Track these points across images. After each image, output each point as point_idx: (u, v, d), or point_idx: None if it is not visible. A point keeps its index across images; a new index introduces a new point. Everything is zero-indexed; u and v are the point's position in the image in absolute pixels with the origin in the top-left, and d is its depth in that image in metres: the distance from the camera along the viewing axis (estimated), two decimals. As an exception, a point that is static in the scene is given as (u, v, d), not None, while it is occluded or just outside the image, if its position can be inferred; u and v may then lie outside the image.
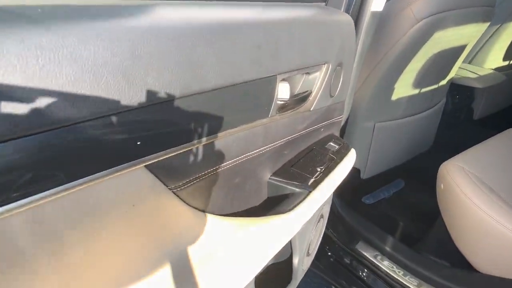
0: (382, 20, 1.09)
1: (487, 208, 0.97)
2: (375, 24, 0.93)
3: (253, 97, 0.56)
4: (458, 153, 1.18)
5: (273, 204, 0.69)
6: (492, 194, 1.01)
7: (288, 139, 0.72)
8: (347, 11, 0.85)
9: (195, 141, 0.49)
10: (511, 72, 1.92)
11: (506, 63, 1.87)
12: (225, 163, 0.57)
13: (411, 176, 1.73)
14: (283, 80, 0.62)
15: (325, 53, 0.71)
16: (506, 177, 1.11)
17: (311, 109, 0.74)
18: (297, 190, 0.71)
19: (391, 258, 1.13)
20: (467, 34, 1.25)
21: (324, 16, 0.73)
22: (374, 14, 0.90)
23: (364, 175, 1.43)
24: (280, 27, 0.58)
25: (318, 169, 0.77)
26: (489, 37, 1.68)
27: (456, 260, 1.07)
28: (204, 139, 0.50)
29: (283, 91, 0.63)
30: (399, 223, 1.47)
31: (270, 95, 0.59)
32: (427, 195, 1.60)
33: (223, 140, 0.54)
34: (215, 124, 0.51)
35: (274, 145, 0.67)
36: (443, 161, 1.19)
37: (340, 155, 0.86)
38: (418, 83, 1.31)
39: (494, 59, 1.77)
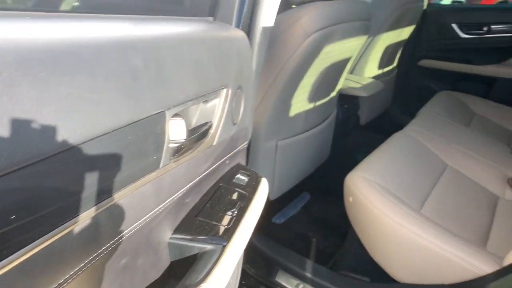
0: (274, 36, 1.04)
1: (396, 216, 0.98)
2: (267, 40, 0.85)
3: (133, 146, 0.39)
4: (353, 159, 1.19)
5: (179, 274, 0.53)
6: (398, 202, 1.02)
7: (190, 186, 0.58)
8: (237, 26, 0.75)
9: (54, 231, 0.31)
10: (385, 79, 2.12)
11: (381, 71, 2.05)
12: (102, 248, 0.39)
13: (315, 188, 1.74)
14: (175, 115, 0.48)
15: (223, 75, 0.59)
16: (406, 182, 1.15)
17: (214, 144, 0.61)
18: (208, 247, 0.56)
19: (314, 285, 1.07)
20: (351, 47, 1.29)
21: (216, 32, 0.61)
22: (266, 29, 0.82)
23: (272, 196, 1.36)
24: (163, 46, 0.44)
25: (229, 213, 0.64)
26: (365, 49, 1.81)
27: (375, 273, 1.06)
28: (66, 225, 0.32)
29: (176, 130, 0.48)
30: (312, 240, 1.44)
31: (158, 139, 0.44)
32: (333, 205, 1.62)
33: (95, 219, 0.37)
34: (76, 201, 0.33)
35: (171, 199, 0.52)
36: (342, 168, 1.18)
37: (251, 188, 0.74)
38: (312, 97, 1.30)
39: (371, 69, 1.92)
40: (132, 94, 0.38)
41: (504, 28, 2.12)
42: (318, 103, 1.37)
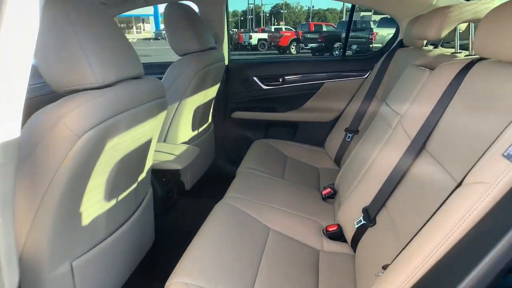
0: (33, 141, 0.79)
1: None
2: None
3: None
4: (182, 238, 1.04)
5: None
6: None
7: None
8: None
9: None
10: (204, 138, 2.09)
11: (196, 132, 1.99)
12: None
13: None
14: None
15: None
16: (231, 268, 1.05)
17: None
18: None
19: None
20: (148, 129, 1.14)
21: None
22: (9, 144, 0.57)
23: None
24: None
25: None
26: (173, 116, 1.71)
27: None
28: None
29: None
30: None
31: None
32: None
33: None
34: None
35: None
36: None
37: None
38: (111, 193, 1.08)
39: (184, 133, 1.84)
40: None
41: (295, 78, 2.41)
42: (123, 195, 1.15)
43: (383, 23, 13.55)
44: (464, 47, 1.59)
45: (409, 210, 1.00)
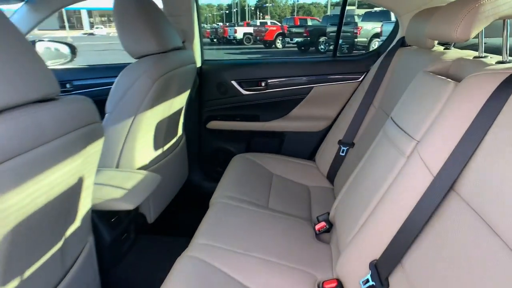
0: None
1: None
2: None
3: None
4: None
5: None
6: None
7: None
8: None
9: None
10: (174, 154, 1.78)
11: (160, 151, 1.65)
12: None
13: None
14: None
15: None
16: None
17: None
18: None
19: None
20: (69, 171, 0.80)
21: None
22: None
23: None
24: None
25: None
26: (127, 134, 1.37)
27: None
28: None
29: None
30: None
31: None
32: None
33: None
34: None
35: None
36: None
37: None
38: (6, 271, 0.73)
39: (144, 155, 1.49)
40: None
41: (280, 82, 2.08)
42: (30, 268, 0.81)
43: (367, 17, 13.31)
44: (473, 48, 1.29)
45: (437, 277, 0.70)
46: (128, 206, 1.14)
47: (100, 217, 1.17)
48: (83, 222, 1.00)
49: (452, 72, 1.14)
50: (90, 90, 2.05)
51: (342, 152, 1.79)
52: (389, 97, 1.57)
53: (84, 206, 0.98)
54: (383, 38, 8.45)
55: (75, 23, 41.16)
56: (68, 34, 29.24)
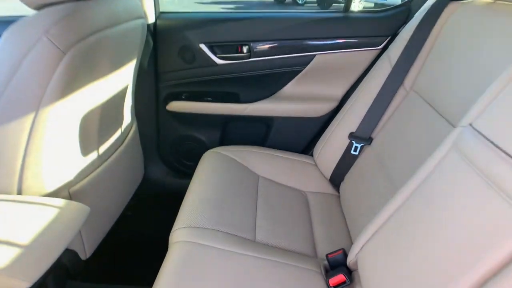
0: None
1: None
2: None
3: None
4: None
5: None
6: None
7: None
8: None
9: None
10: (121, 151, 1.29)
11: (93, 155, 1.09)
12: None
13: None
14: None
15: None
16: None
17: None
18: None
19: None
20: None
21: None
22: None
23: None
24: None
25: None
26: (28, 141, 0.81)
27: None
28: None
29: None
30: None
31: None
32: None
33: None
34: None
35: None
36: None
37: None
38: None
39: (59, 174, 0.93)
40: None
41: (269, 48, 1.51)
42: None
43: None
44: None
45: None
46: (20, 284, 0.63)
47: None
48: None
49: None
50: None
51: (355, 150, 1.31)
52: (431, 76, 1.07)
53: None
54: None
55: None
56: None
